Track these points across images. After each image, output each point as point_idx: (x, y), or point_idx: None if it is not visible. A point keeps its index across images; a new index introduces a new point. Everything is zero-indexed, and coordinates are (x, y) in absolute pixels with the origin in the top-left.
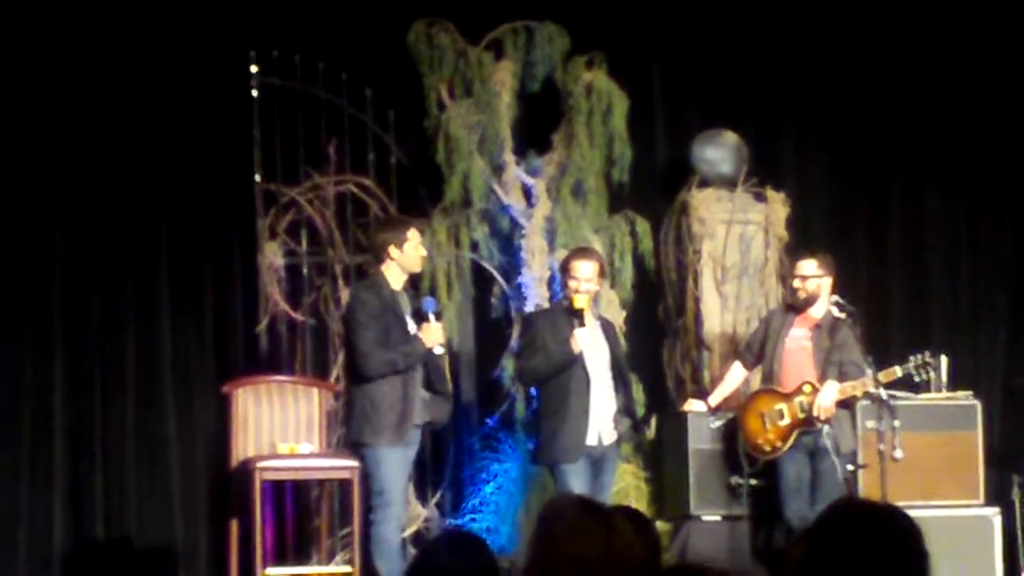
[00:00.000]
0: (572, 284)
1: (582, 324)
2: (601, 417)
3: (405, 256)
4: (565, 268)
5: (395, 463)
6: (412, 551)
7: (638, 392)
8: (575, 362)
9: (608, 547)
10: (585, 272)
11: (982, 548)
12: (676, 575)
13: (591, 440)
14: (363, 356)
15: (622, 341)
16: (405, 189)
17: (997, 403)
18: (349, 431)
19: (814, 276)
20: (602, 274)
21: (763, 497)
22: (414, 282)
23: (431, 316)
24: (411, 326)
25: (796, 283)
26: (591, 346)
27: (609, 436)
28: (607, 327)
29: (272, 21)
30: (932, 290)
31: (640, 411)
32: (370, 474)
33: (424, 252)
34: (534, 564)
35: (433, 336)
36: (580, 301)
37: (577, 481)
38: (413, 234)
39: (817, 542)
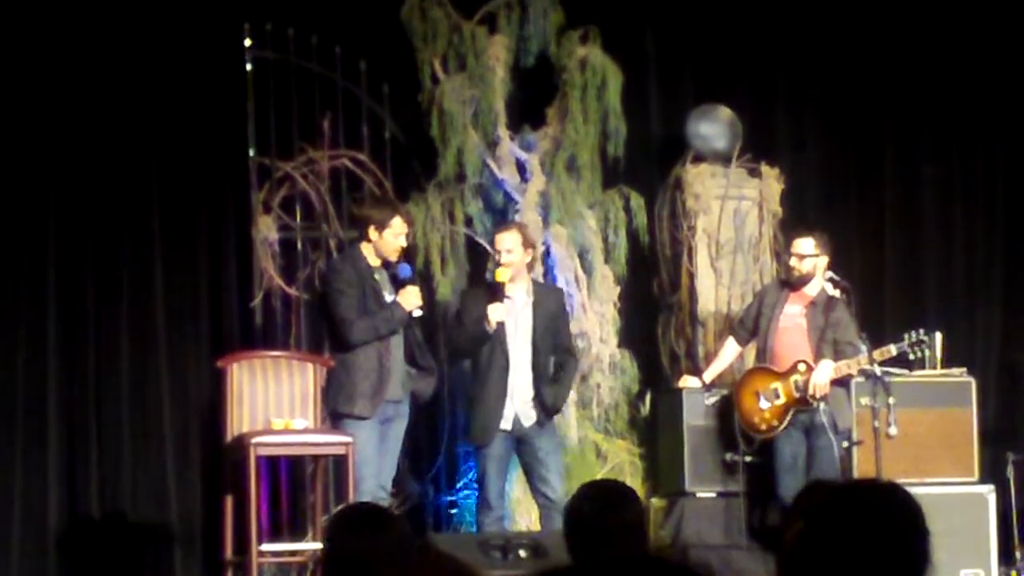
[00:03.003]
0: (496, 258)
1: (499, 299)
2: (519, 399)
3: (383, 241)
4: (491, 245)
5: (365, 439)
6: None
7: (632, 368)
8: (489, 338)
9: None
10: (505, 243)
11: (976, 525)
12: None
13: (506, 424)
14: (345, 323)
15: (610, 320)
16: (399, 163)
17: (992, 380)
18: (327, 400)
19: (810, 255)
20: (527, 244)
21: (758, 473)
22: (408, 256)
23: (407, 281)
24: (388, 298)
25: (792, 261)
26: (516, 323)
27: (527, 418)
28: (547, 299)
29: None
30: (927, 267)
31: (635, 387)
32: None
33: (404, 243)
34: None
35: (411, 299)
36: (501, 275)
37: (492, 463)
38: (397, 222)
39: (815, 520)
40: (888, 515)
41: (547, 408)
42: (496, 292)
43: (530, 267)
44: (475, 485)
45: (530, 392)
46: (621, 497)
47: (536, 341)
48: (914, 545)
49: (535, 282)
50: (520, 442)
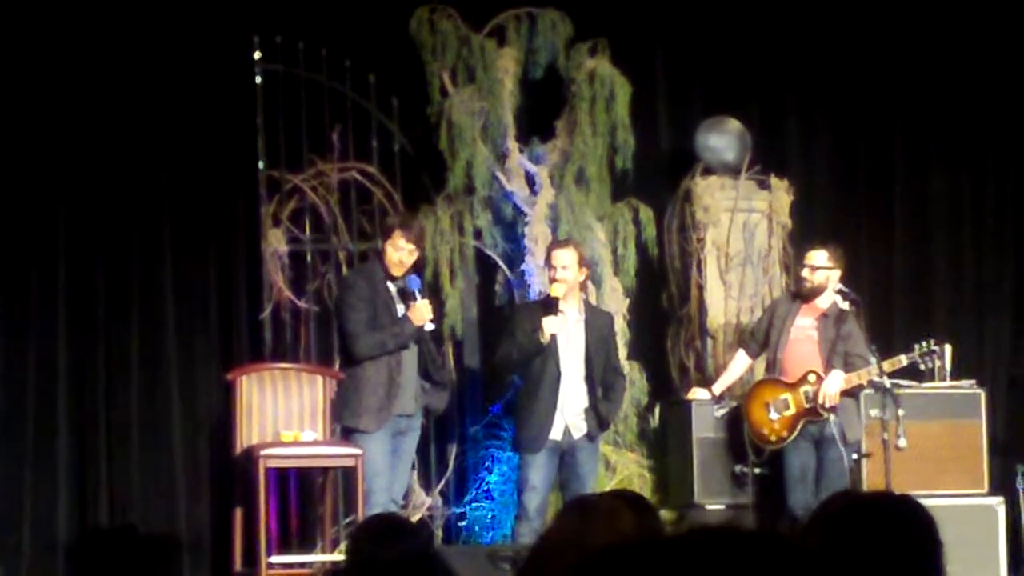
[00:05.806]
0: (551, 273)
1: (554, 313)
2: (569, 412)
3: (388, 253)
4: (547, 260)
5: (377, 452)
6: None
7: (642, 380)
8: (543, 350)
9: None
10: (562, 260)
11: (986, 538)
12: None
13: (556, 434)
14: (352, 337)
15: (619, 332)
16: (408, 176)
17: (1001, 391)
18: (335, 413)
19: (823, 268)
20: (583, 263)
21: (768, 485)
22: (416, 268)
23: (417, 294)
24: (399, 311)
25: (805, 272)
26: (568, 338)
27: (578, 430)
28: (599, 319)
29: (275, 7)
30: (936, 278)
31: (644, 399)
32: None
33: (406, 259)
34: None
35: (421, 314)
36: (556, 290)
37: (536, 473)
38: (395, 236)
39: (830, 532)
40: (903, 527)
41: (602, 420)
42: (550, 306)
43: (582, 287)
44: (488, 497)
45: (581, 404)
46: (637, 506)
47: (590, 355)
48: (928, 557)
49: (587, 303)
50: (565, 455)
